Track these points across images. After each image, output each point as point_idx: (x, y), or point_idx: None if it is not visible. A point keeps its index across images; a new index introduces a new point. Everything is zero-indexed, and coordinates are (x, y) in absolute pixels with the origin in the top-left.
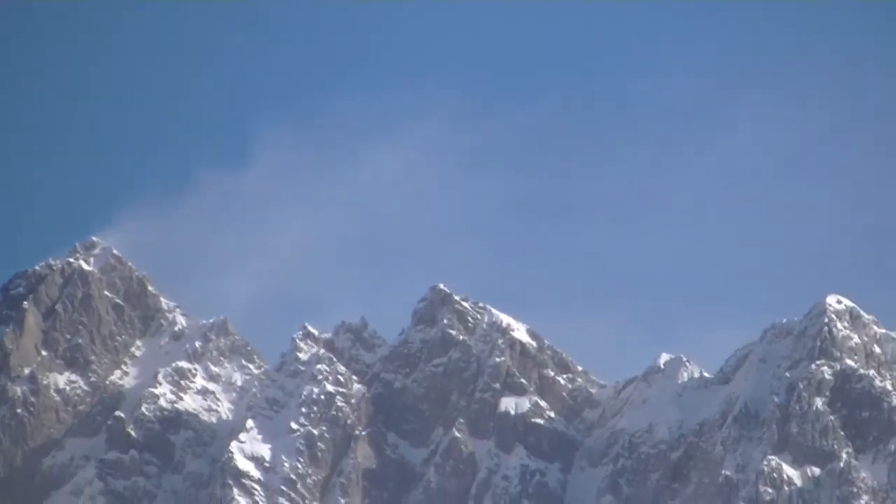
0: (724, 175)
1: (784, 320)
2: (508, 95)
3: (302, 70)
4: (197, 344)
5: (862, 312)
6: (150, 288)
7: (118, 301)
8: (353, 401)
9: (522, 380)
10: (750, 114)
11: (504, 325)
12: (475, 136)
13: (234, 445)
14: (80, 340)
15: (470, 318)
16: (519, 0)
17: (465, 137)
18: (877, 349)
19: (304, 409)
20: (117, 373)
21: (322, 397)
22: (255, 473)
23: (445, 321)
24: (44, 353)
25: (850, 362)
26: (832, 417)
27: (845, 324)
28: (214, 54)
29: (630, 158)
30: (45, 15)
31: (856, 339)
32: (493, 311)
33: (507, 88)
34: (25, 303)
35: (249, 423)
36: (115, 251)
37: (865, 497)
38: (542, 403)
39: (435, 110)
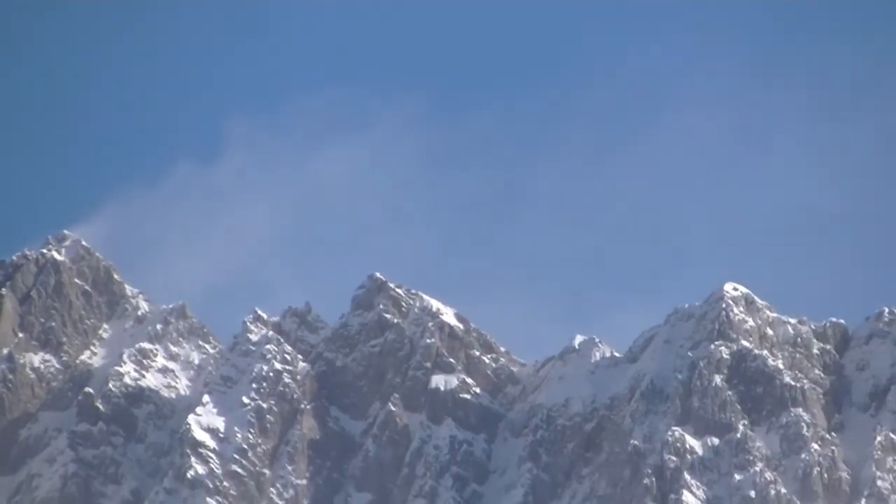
0: (640, 176)
1: (686, 305)
2: (458, 101)
3: (270, 67)
4: (158, 327)
5: (756, 298)
6: (115, 276)
7: (87, 288)
8: (298, 378)
9: (451, 359)
10: (666, 120)
11: (434, 309)
12: (422, 137)
13: (191, 418)
14: (52, 324)
15: (403, 304)
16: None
17: (412, 139)
18: (769, 332)
19: (254, 385)
20: (86, 353)
21: (271, 374)
22: (211, 443)
23: (381, 306)
24: (20, 335)
25: (745, 343)
26: (730, 393)
27: (741, 309)
28: (191, 51)
29: (560, 160)
30: (21, 10)
31: (750, 322)
32: (425, 297)
33: (458, 94)
34: (3, 289)
35: (205, 398)
36: (83, 243)
37: (760, 464)
38: (469, 380)
39: (388, 111)
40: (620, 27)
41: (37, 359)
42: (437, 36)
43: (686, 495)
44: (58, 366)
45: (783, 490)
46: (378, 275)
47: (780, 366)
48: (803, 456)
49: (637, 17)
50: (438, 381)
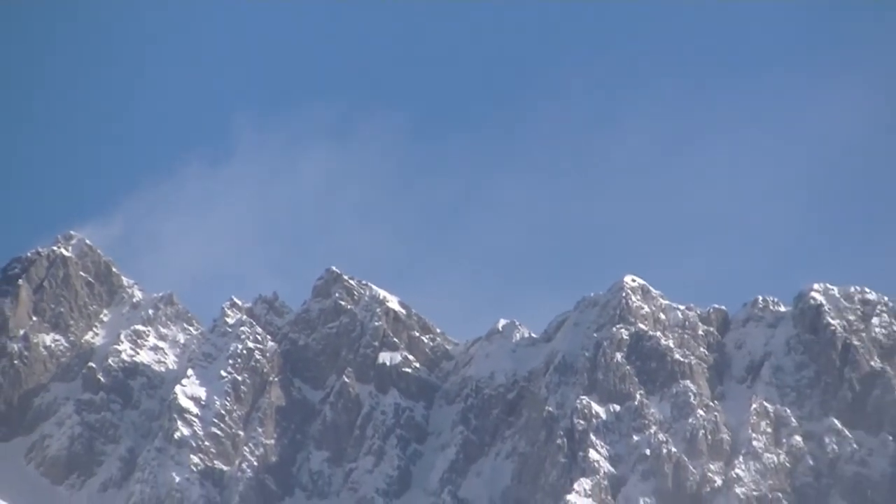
0: (557, 179)
1: (592, 294)
2: (430, 120)
3: (275, 77)
4: (150, 312)
5: (651, 288)
6: (114, 269)
7: (90, 279)
8: (267, 355)
9: (395, 339)
10: (591, 139)
11: (381, 297)
12: (394, 150)
13: (178, 388)
14: (61, 309)
15: (356, 293)
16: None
17: (385, 150)
18: (662, 316)
19: (230, 361)
20: (90, 334)
21: (244, 352)
22: (194, 409)
23: (337, 295)
24: (34, 318)
25: (642, 326)
26: (628, 367)
27: (638, 297)
28: (199, 55)
29: (509, 173)
30: (30, 14)
31: (646, 308)
32: (373, 287)
33: (430, 114)
34: (20, 280)
35: (189, 371)
36: (87, 241)
37: (654, 427)
38: (410, 357)
39: (368, 125)
40: (563, 53)
41: (48, 338)
42: (418, 62)
43: (592, 453)
44: (66, 344)
45: (673, 449)
46: (335, 268)
47: (671, 345)
48: (690, 420)
49: (580, 44)
50: (385, 357)
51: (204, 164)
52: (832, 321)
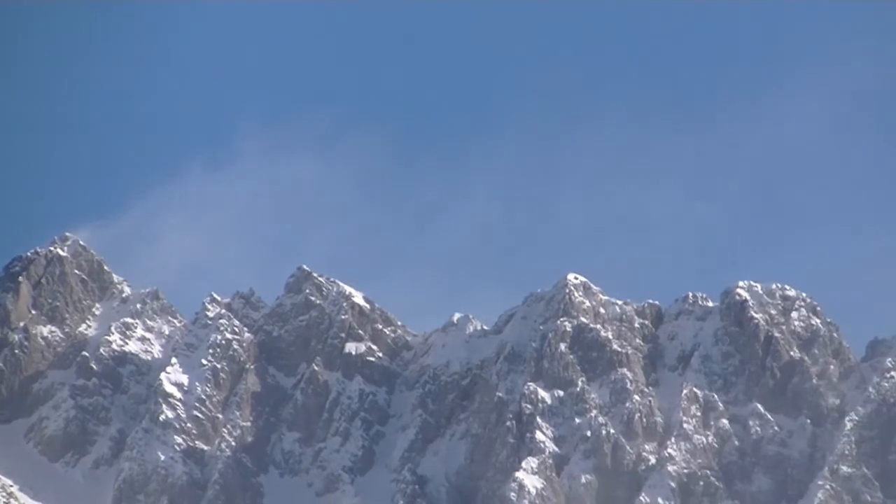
0: (507, 181)
1: (539, 290)
2: (405, 134)
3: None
4: (137, 306)
5: (592, 285)
6: (105, 267)
7: (84, 276)
8: (244, 345)
9: (360, 331)
10: (542, 151)
11: (347, 293)
12: (370, 160)
13: (163, 375)
14: (57, 303)
15: (324, 289)
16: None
17: (362, 160)
18: (602, 310)
19: (210, 351)
20: (83, 325)
21: (223, 342)
22: (178, 394)
23: (307, 291)
24: (33, 312)
25: (583, 319)
26: (571, 357)
27: (580, 293)
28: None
29: (467, 184)
30: (32, 15)
31: (587, 303)
32: (340, 283)
33: (406, 129)
34: (21, 277)
35: (173, 360)
36: (81, 242)
37: (594, 411)
38: (374, 347)
39: (343, 137)
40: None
41: (45, 330)
42: (400, 80)
43: (538, 434)
44: (61, 335)
45: (612, 431)
46: (305, 267)
47: (610, 336)
48: (627, 405)
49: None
50: (350, 347)
51: (201, 168)
52: (755, 315)
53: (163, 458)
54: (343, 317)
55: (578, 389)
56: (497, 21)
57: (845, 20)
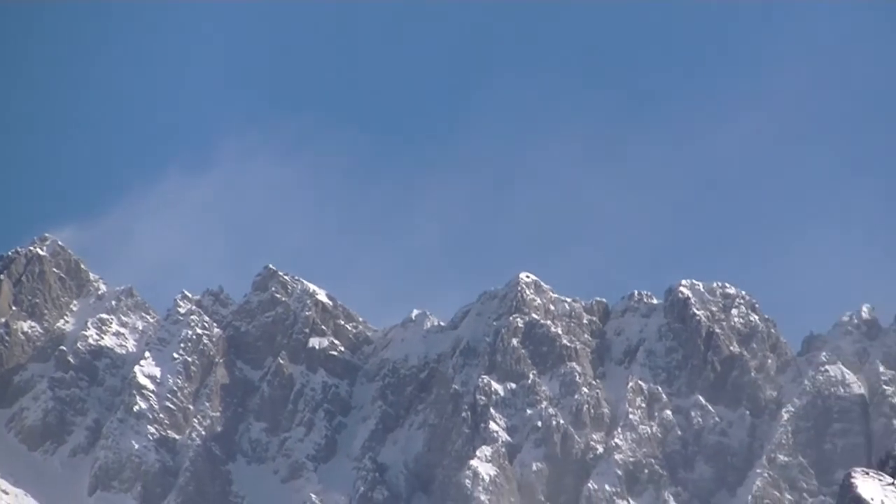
0: (468, 184)
1: (493, 288)
2: (375, 139)
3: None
4: (113, 303)
5: (542, 283)
6: (82, 266)
7: (62, 275)
8: (213, 339)
9: (323, 326)
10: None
11: (311, 290)
12: (338, 164)
13: (136, 368)
14: (37, 300)
15: (289, 287)
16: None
17: (310, 165)
18: (552, 307)
19: (182, 345)
20: (61, 321)
21: (194, 337)
22: (151, 386)
23: (273, 289)
24: (14, 308)
25: (534, 316)
26: (523, 351)
27: (531, 291)
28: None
29: (428, 189)
30: (19, 20)
31: (538, 301)
32: (304, 281)
33: (375, 134)
34: (1, 276)
35: (147, 354)
36: (59, 242)
37: (545, 402)
38: (336, 342)
39: (313, 141)
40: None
41: (26, 325)
42: (370, 89)
43: (492, 424)
44: (41, 330)
45: (561, 421)
46: (271, 266)
47: (559, 332)
48: (576, 396)
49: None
50: (314, 342)
51: (176, 171)
52: (697, 312)
53: (137, 446)
54: (307, 313)
55: (530, 382)
56: (464, 31)
57: (789, 31)
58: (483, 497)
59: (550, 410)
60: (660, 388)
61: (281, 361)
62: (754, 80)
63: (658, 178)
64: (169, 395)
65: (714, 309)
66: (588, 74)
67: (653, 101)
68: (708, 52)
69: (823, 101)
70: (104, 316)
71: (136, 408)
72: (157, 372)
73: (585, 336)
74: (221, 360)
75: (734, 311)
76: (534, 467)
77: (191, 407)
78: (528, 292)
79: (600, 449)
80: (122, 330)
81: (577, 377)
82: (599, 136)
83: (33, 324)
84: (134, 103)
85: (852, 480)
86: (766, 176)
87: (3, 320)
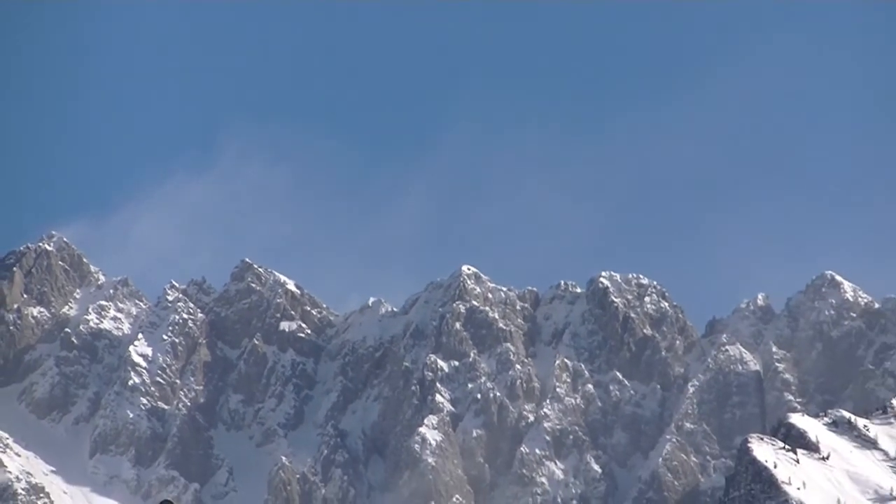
0: (428, 190)
1: (438, 279)
2: (355, 147)
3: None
4: (110, 291)
5: (482, 275)
6: (84, 260)
7: (66, 267)
8: (197, 323)
9: (292, 312)
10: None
11: (282, 281)
12: (322, 170)
13: (131, 348)
14: (45, 289)
15: (263, 278)
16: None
17: (286, 167)
18: (490, 296)
19: (170, 328)
20: (66, 307)
21: (180, 321)
22: (143, 364)
23: (249, 279)
24: (25, 296)
25: (475, 303)
26: (465, 333)
27: (472, 281)
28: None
29: (396, 192)
30: (26, 19)
31: (478, 290)
32: (276, 272)
33: (356, 142)
34: (15, 268)
35: (140, 335)
36: (64, 239)
37: (484, 378)
38: (303, 325)
39: (297, 145)
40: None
41: (35, 311)
42: (351, 96)
43: (438, 397)
44: (48, 315)
45: (498, 394)
46: (247, 259)
47: (496, 316)
48: (510, 373)
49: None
50: (285, 325)
51: (184, 172)
52: (615, 300)
53: (131, 415)
54: (278, 300)
55: (470, 360)
56: (435, 45)
57: (722, 40)
58: (430, 460)
59: (488, 384)
60: (583, 366)
61: (256, 342)
62: (686, 88)
63: (586, 182)
64: (159, 372)
65: (630, 297)
66: (540, 91)
67: (598, 112)
68: (642, 62)
69: (725, 102)
70: (103, 303)
71: (130, 382)
72: (148, 351)
73: (518, 320)
74: (204, 341)
75: (647, 299)
76: (474, 434)
77: (178, 381)
78: (469, 282)
79: (531, 418)
80: (119, 315)
81: (512, 356)
82: (545, 144)
83: (42, 309)
84: (138, 106)
85: (749, 445)
86: (676, 182)
87: (15, 306)
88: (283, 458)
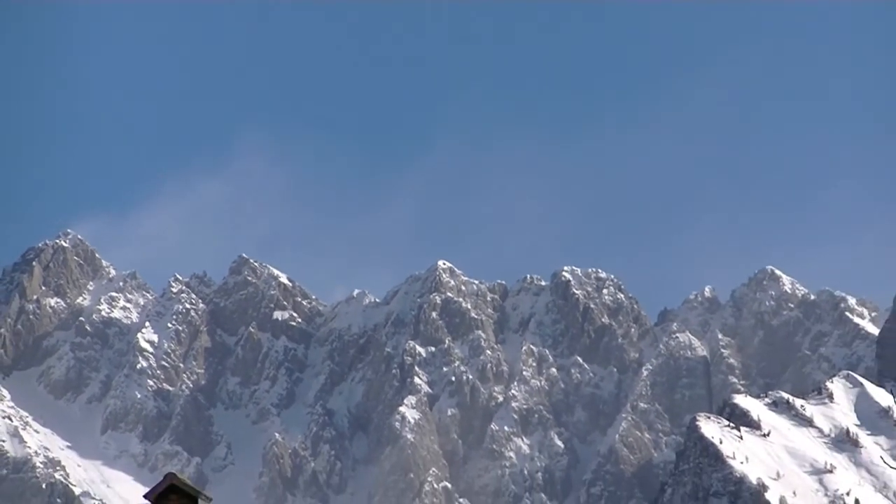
0: (419, 191)
1: (416, 272)
2: (347, 154)
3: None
4: (120, 283)
5: (455, 268)
6: (97, 255)
7: (80, 262)
8: (199, 313)
9: (285, 302)
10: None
11: (275, 274)
12: (319, 173)
13: (139, 335)
14: (61, 281)
15: (258, 271)
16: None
17: (282, 171)
18: (463, 288)
19: (174, 317)
20: (80, 298)
21: (183, 311)
22: (150, 349)
23: (246, 273)
24: (43, 287)
25: (449, 294)
26: (440, 322)
27: (447, 275)
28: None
29: (380, 196)
30: (41, 19)
31: (452, 282)
32: (270, 266)
33: (346, 150)
34: (34, 262)
35: (147, 324)
36: (79, 236)
37: (458, 362)
38: (295, 314)
39: (300, 154)
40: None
41: (52, 301)
42: (349, 100)
43: (416, 379)
44: (64, 305)
45: (470, 376)
46: (244, 254)
47: (469, 307)
48: (481, 358)
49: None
50: (278, 315)
51: (188, 174)
52: (576, 292)
53: (139, 396)
54: (272, 292)
55: (446, 346)
56: (431, 57)
57: (674, 62)
58: (409, 436)
59: (462, 368)
60: (547, 351)
61: (251, 330)
62: (647, 98)
63: (553, 186)
64: (164, 356)
65: (589, 289)
66: (526, 101)
67: (574, 123)
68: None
69: (681, 112)
70: (114, 294)
71: (138, 366)
72: (154, 338)
73: (489, 310)
74: (205, 329)
75: (605, 291)
76: (449, 412)
77: (181, 365)
78: (444, 276)
79: (500, 398)
80: (128, 305)
81: (483, 342)
82: (526, 151)
83: (58, 300)
84: (141, 109)
85: (697, 423)
86: (634, 186)
87: (34, 297)
88: (277, 434)
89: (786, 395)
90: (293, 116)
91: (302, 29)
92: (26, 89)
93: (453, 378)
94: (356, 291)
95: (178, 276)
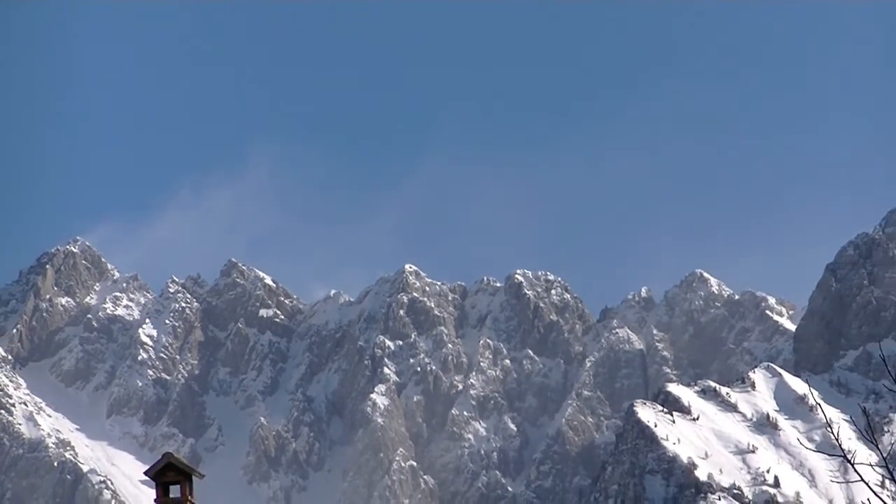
0: (403, 200)
1: (385, 274)
2: (342, 158)
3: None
4: (124, 285)
5: (421, 272)
6: (102, 259)
7: (88, 265)
8: (193, 311)
9: (269, 301)
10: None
11: (261, 276)
12: (307, 181)
13: (140, 330)
14: (71, 283)
15: (245, 273)
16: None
17: (284, 176)
18: (427, 288)
19: (172, 315)
20: (88, 297)
21: (179, 309)
22: (150, 343)
23: (235, 275)
24: (55, 288)
25: (415, 294)
26: (407, 318)
27: (413, 277)
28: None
29: (370, 200)
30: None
31: (418, 283)
32: (256, 270)
33: (342, 154)
34: (47, 265)
35: (147, 320)
36: (87, 242)
37: (423, 354)
38: (279, 312)
39: (293, 160)
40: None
41: (63, 300)
42: (343, 110)
43: (386, 370)
44: (73, 304)
45: (434, 367)
46: (233, 259)
47: (432, 305)
48: (444, 350)
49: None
50: (263, 312)
51: (186, 184)
52: (528, 292)
53: (140, 384)
54: (258, 292)
55: (412, 340)
56: (420, 77)
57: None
58: (380, 420)
59: (426, 360)
60: (501, 345)
61: (240, 326)
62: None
63: (511, 197)
64: (162, 349)
65: (539, 290)
66: (509, 118)
67: (543, 139)
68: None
69: (637, 122)
70: (117, 294)
71: (139, 357)
72: (154, 333)
73: (450, 308)
74: (199, 325)
75: (553, 292)
76: (415, 399)
77: (177, 357)
78: (410, 278)
79: (460, 386)
80: (130, 304)
81: (444, 337)
82: (501, 167)
83: (68, 299)
84: (147, 115)
85: (634, 409)
86: (580, 197)
87: (47, 297)
88: (262, 418)
89: (713, 384)
90: (299, 131)
91: (302, 32)
92: (45, 112)
93: (419, 368)
94: (333, 291)
95: (174, 277)
